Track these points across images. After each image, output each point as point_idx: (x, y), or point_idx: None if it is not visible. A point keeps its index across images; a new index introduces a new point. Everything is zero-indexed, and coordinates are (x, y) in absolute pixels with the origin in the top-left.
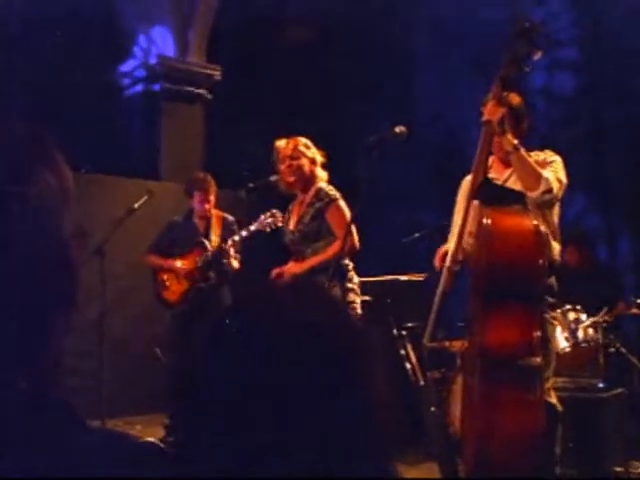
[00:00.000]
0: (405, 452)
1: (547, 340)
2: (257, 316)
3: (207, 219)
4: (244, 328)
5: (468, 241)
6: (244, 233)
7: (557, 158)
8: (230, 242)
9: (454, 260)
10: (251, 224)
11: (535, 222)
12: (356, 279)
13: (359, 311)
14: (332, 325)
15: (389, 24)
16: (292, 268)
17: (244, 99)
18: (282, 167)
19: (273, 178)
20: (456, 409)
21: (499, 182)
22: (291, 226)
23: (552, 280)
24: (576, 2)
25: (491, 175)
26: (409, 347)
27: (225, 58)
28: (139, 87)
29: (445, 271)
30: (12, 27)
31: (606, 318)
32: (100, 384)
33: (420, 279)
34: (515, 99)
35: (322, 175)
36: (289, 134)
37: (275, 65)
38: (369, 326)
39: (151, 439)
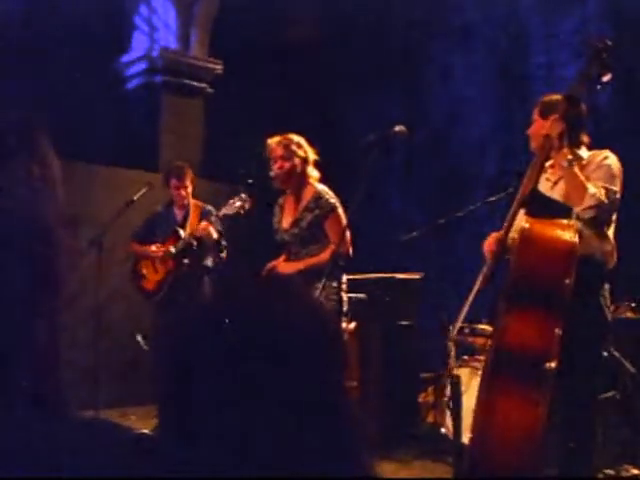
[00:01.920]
0: (396, 450)
1: None
2: (237, 312)
3: (186, 209)
4: (223, 323)
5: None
6: (213, 219)
7: (612, 163)
8: (202, 226)
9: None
10: (220, 209)
11: (575, 239)
12: (344, 278)
13: (345, 307)
14: (308, 324)
15: (390, 22)
16: (285, 267)
17: (245, 94)
18: (274, 166)
19: (272, 174)
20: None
21: (551, 181)
22: (285, 225)
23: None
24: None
25: (547, 174)
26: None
27: (227, 52)
28: (140, 79)
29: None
30: (14, 17)
31: None
32: (95, 375)
33: (416, 278)
34: (580, 112)
35: (314, 174)
36: (289, 130)
37: (277, 60)
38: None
39: (144, 430)
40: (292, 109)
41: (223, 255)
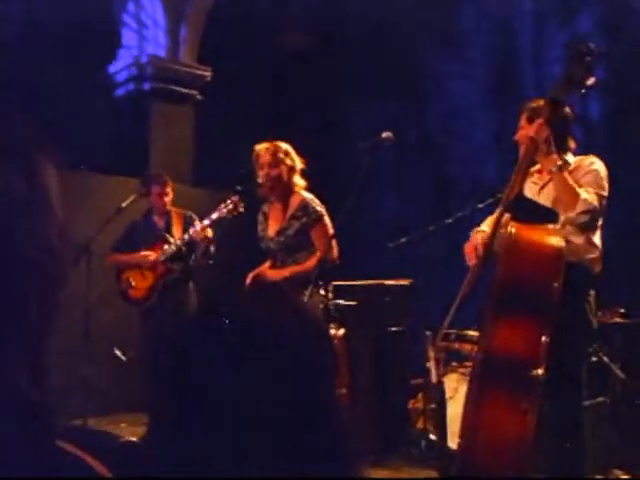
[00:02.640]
0: (387, 457)
1: None
2: (226, 318)
3: (167, 216)
4: (213, 331)
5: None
6: (206, 222)
7: (600, 168)
8: (192, 232)
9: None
10: (212, 213)
11: (561, 243)
12: (331, 285)
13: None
14: (298, 331)
15: (382, 28)
16: (271, 275)
17: (235, 100)
18: (260, 173)
19: (260, 181)
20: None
21: (538, 185)
22: (270, 233)
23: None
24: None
25: (534, 178)
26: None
27: (216, 59)
28: (129, 86)
29: (471, 269)
30: (4, 23)
31: None
32: (85, 382)
33: (405, 284)
34: (565, 115)
35: (300, 183)
36: (279, 137)
37: (266, 67)
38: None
39: (133, 438)
40: (282, 115)
41: (211, 261)
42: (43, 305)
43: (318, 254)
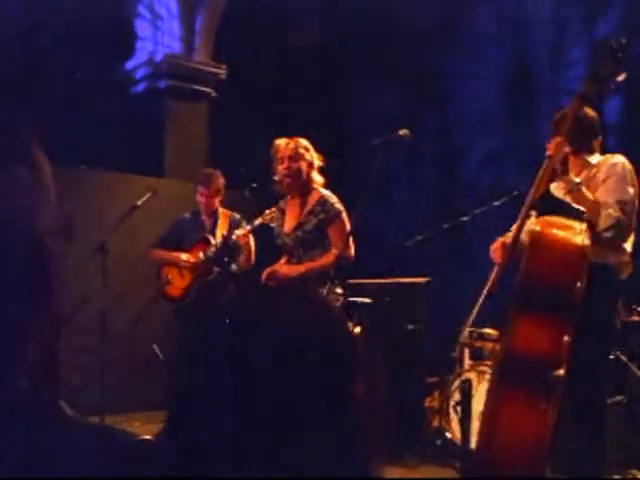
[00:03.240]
0: (402, 455)
1: None
2: (249, 315)
3: (214, 216)
4: (236, 329)
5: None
6: (248, 227)
7: (621, 170)
8: (235, 236)
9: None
10: (256, 218)
11: (586, 241)
12: (347, 283)
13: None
14: (323, 329)
15: (398, 27)
16: (288, 270)
17: (249, 98)
18: (280, 167)
19: (277, 178)
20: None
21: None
22: (286, 228)
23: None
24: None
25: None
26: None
27: (231, 57)
28: (144, 84)
29: (496, 268)
30: (18, 21)
31: None
32: (101, 380)
33: (422, 282)
34: (587, 112)
35: (318, 180)
36: (293, 134)
37: (281, 64)
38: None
39: (147, 436)
40: (296, 113)
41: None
42: (43, 287)
43: (335, 251)
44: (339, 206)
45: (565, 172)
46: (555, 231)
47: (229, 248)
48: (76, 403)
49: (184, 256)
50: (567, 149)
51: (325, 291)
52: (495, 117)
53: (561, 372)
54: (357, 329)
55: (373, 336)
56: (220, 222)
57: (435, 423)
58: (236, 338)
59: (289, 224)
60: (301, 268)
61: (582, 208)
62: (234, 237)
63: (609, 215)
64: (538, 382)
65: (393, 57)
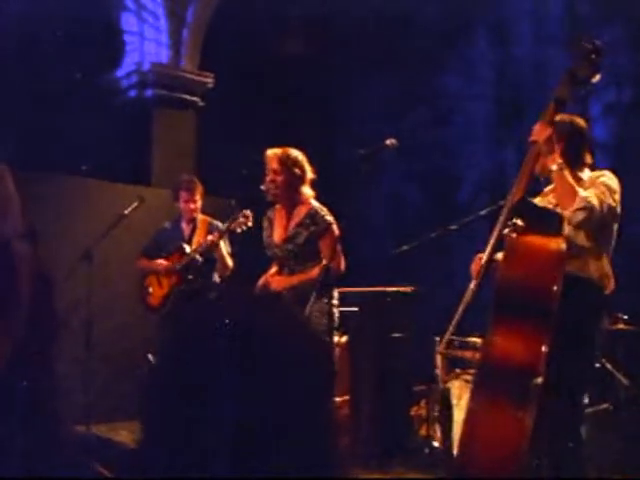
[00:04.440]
0: (389, 464)
1: None
2: (225, 327)
3: (193, 224)
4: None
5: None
6: (215, 233)
7: (609, 181)
8: (203, 243)
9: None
10: (225, 224)
11: (562, 246)
12: (336, 293)
13: (337, 322)
14: (294, 340)
15: (390, 35)
16: (277, 283)
17: (236, 107)
18: (267, 178)
19: (263, 187)
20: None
21: (552, 204)
22: (276, 239)
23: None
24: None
25: (549, 199)
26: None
27: (218, 66)
28: (131, 93)
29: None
30: (4, 29)
31: None
32: (86, 389)
33: (408, 291)
34: (576, 122)
35: (308, 193)
36: (281, 143)
37: (268, 73)
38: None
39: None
40: (284, 121)
41: (227, 273)
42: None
43: (324, 262)
44: (329, 218)
45: (550, 152)
46: (532, 236)
47: (204, 256)
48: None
49: (159, 261)
50: (550, 130)
51: (312, 300)
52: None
53: (539, 380)
54: (344, 338)
55: (359, 344)
56: (198, 230)
57: (422, 431)
58: (207, 346)
59: (278, 234)
60: (292, 280)
61: (560, 211)
62: (204, 245)
63: (584, 198)
64: (515, 390)
65: (385, 64)
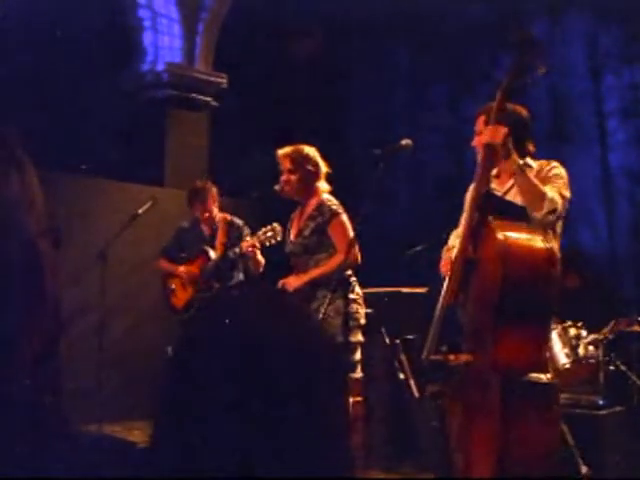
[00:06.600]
0: (401, 464)
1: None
2: (234, 330)
3: (213, 224)
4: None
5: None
6: (247, 244)
7: (561, 172)
8: (239, 249)
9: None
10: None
11: (547, 244)
12: (358, 290)
13: (362, 321)
14: (301, 342)
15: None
16: (292, 282)
17: (250, 107)
18: (281, 177)
19: (277, 187)
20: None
21: (500, 193)
22: (292, 237)
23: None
24: None
25: (493, 185)
26: (404, 358)
27: (232, 66)
28: (145, 93)
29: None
30: (19, 30)
31: (607, 335)
32: (100, 388)
33: (422, 292)
34: (520, 112)
35: (324, 187)
36: (293, 143)
37: (282, 74)
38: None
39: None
40: (297, 121)
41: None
42: (32, 293)
43: (340, 255)
44: (336, 207)
45: (509, 154)
46: (519, 235)
47: (229, 262)
48: (74, 411)
49: (181, 268)
50: (505, 130)
51: (328, 299)
52: None
53: (549, 376)
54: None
55: (373, 345)
56: (219, 230)
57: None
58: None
59: (293, 232)
60: (305, 277)
61: (522, 204)
62: (237, 250)
63: (552, 200)
64: (531, 390)
65: (394, 66)
